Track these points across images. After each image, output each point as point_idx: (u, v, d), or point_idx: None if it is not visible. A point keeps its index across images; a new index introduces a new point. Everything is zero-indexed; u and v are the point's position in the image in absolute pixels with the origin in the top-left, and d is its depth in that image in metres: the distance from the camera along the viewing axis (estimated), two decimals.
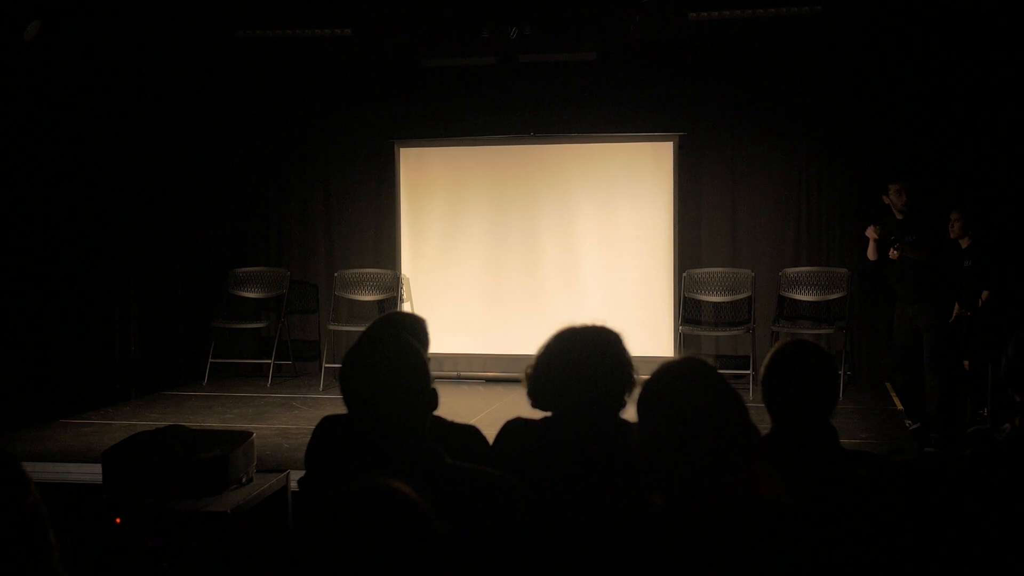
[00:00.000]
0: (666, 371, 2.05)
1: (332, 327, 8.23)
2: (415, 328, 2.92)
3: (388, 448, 2.10)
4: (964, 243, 6.75)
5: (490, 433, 2.83)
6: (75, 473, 5.06)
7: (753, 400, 2.40)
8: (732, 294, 8.03)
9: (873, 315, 7.89)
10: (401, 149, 8.47)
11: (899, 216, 6.73)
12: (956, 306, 6.78)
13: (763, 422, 2.47)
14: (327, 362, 8.27)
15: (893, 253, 6.63)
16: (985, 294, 6.69)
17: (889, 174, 7.65)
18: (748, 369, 7.57)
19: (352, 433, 2.52)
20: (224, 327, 8.33)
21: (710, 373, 2.05)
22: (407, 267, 8.47)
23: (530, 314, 8.06)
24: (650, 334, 7.95)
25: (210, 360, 8.23)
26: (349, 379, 2.14)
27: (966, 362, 6.72)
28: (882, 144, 7.76)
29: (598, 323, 2.68)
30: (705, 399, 1.95)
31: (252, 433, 4.20)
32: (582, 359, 2.58)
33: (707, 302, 8.11)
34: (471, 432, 2.85)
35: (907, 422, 6.60)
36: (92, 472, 4.44)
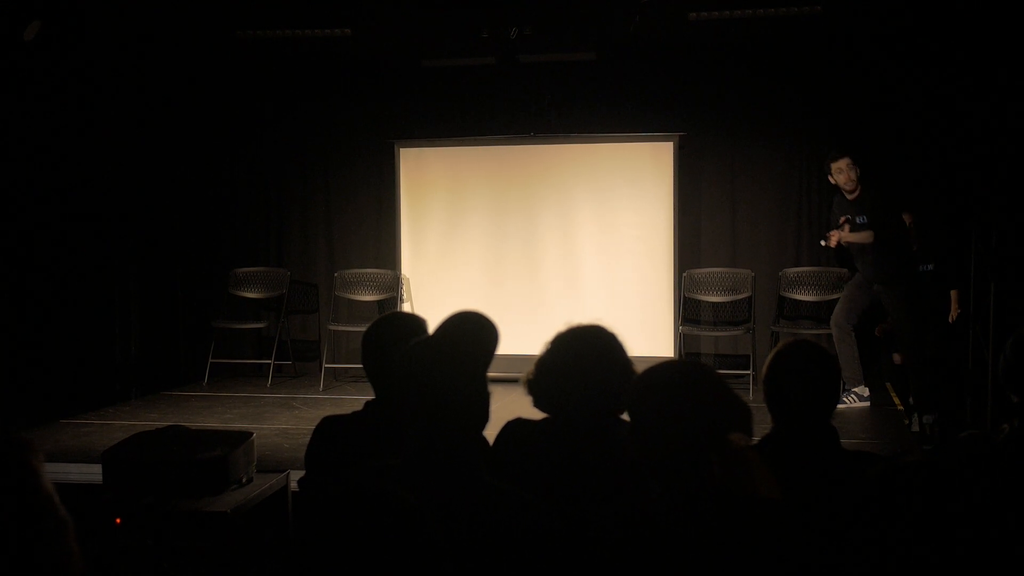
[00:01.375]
0: (653, 371, 2.05)
1: (332, 327, 8.23)
2: (416, 329, 2.92)
3: (434, 458, 2.06)
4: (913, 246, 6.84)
5: (490, 433, 2.82)
6: (75, 473, 5.06)
7: (753, 400, 2.40)
8: (732, 294, 8.03)
9: (873, 315, 7.88)
10: (401, 149, 8.47)
11: (850, 197, 6.74)
12: (954, 303, 6.81)
13: (764, 422, 2.47)
14: (327, 362, 8.27)
15: (833, 240, 6.66)
16: (955, 294, 6.76)
17: (889, 174, 7.65)
18: (748, 369, 7.57)
19: (371, 432, 2.49)
20: (224, 327, 8.33)
21: (700, 371, 2.05)
22: (407, 267, 8.47)
23: (530, 314, 8.05)
24: (650, 334, 7.95)
25: (210, 360, 8.23)
26: (413, 376, 2.07)
27: (879, 328, 6.81)
28: (883, 144, 7.75)
29: (594, 322, 2.68)
30: (692, 394, 1.96)
31: (252, 433, 4.20)
32: (577, 360, 2.58)
33: (707, 302, 8.11)
34: None
35: (906, 421, 6.60)
36: (92, 472, 4.44)
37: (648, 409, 1.96)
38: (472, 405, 2.09)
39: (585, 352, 2.60)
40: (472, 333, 2.60)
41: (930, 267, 6.90)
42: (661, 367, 2.06)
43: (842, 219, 6.73)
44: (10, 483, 1.51)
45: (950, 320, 6.90)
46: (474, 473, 2.08)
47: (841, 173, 6.69)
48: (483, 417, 2.13)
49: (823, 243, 6.87)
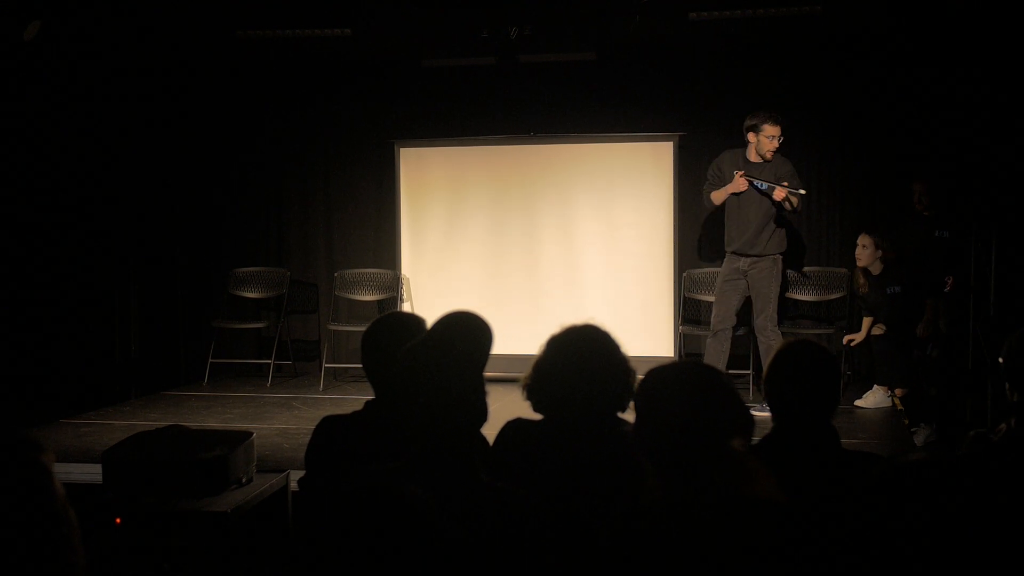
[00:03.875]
0: (664, 370, 2.06)
1: (332, 327, 8.23)
2: (416, 329, 2.92)
3: (429, 454, 2.08)
4: (926, 212, 6.97)
5: (490, 433, 2.82)
6: (75, 473, 5.05)
7: (752, 400, 2.40)
8: None
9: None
10: (401, 149, 8.46)
11: (762, 161, 6.80)
12: (927, 315, 6.81)
13: (764, 422, 2.47)
14: (327, 362, 8.27)
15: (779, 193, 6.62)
16: (929, 304, 6.77)
17: (888, 174, 7.66)
18: (748, 369, 7.56)
19: (371, 432, 2.50)
20: (224, 327, 8.32)
21: (710, 373, 2.06)
22: (407, 267, 8.47)
23: (530, 314, 8.05)
24: (650, 334, 7.94)
25: (210, 360, 8.22)
26: (412, 378, 2.10)
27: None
28: (882, 144, 7.75)
29: (588, 322, 2.69)
30: (701, 396, 1.96)
31: (252, 433, 4.20)
32: (573, 361, 2.59)
33: (707, 302, 8.08)
34: None
35: (906, 421, 6.61)
36: (92, 472, 4.44)
37: (656, 407, 1.97)
38: (469, 402, 2.10)
39: (580, 352, 2.61)
40: (465, 331, 2.63)
41: (897, 289, 6.87)
42: (670, 366, 2.08)
43: (740, 173, 6.71)
44: (22, 484, 1.50)
45: (918, 334, 6.84)
46: (472, 472, 2.09)
47: (774, 139, 6.71)
48: (481, 414, 2.14)
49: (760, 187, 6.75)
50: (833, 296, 7.83)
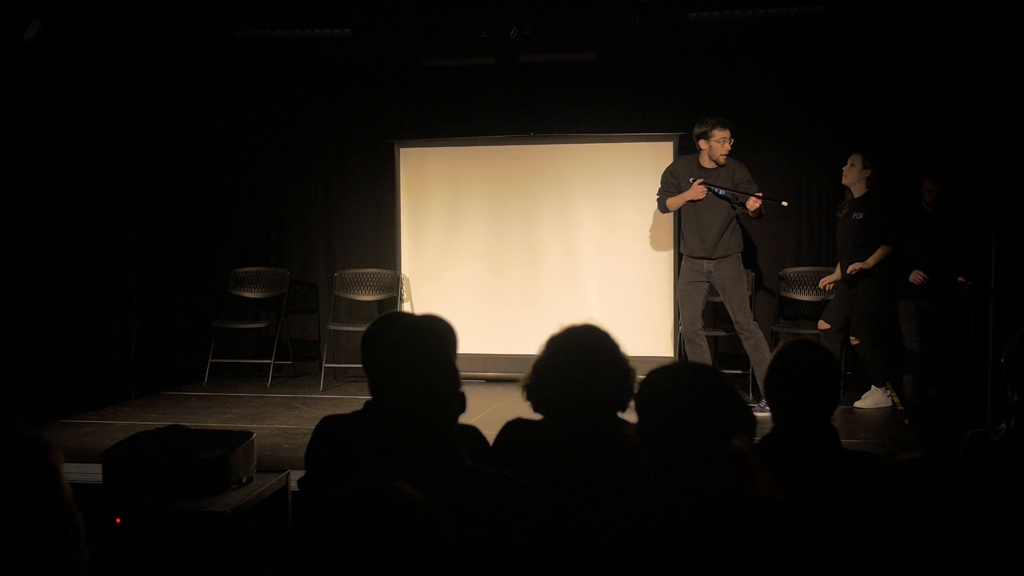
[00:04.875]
0: (662, 371, 2.07)
1: (332, 327, 8.23)
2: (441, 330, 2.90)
3: (414, 447, 2.11)
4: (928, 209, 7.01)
5: (490, 433, 2.83)
6: (75, 473, 5.04)
7: (752, 400, 2.41)
8: None
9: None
10: (401, 149, 8.46)
11: (715, 166, 6.84)
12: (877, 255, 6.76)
13: (764, 422, 2.47)
14: (327, 362, 8.27)
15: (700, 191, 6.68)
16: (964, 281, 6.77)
17: (889, 173, 7.65)
18: (748, 369, 7.56)
19: (369, 432, 2.55)
20: (224, 327, 8.32)
21: (708, 373, 2.07)
22: (407, 267, 8.47)
23: (530, 314, 8.06)
24: (650, 334, 7.94)
25: (210, 360, 8.23)
26: (388, 375, 2.18)
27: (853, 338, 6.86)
28: (882, 144, 7.75)
29: (587, 322, 2.70)
30: (698, 396, 1.97)
31: (252, 433, 4.21)
32: (572, 361, 2.60)
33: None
34: (471, 432, 2.85)
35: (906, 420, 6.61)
36: (92, 472, 4.44)
37: (655, 408, 1.98)
38: (445, 394, 2.14)
39: (580, 352, 2.61)
40: (428, 328, 2.69)
41: (860, 215, 6.80)
42: (670, 367, 2.08)
43: (699, 181, 6.73)
44: (30, 485, 1.50)
45: (865, 266, 6.78)
46: (459, 460, 2.11)
47: (725, 142, 6.74)
48: (459, 404, 2.18)
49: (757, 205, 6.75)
50: (833, 296, 7.82)
